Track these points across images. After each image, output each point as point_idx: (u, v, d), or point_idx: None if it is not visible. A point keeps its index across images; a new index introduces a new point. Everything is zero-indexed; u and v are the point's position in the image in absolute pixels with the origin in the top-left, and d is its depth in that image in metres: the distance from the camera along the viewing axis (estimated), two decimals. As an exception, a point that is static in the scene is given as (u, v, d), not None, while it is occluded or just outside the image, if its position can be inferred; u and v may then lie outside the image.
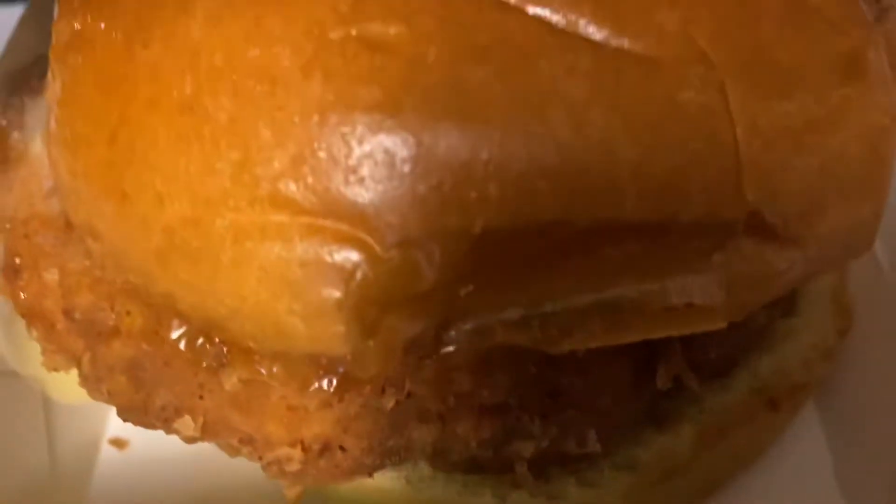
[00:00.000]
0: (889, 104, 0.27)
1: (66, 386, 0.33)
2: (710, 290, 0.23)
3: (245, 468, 0.34)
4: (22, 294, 0.27)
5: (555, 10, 0.22)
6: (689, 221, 0.22)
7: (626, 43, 0.22)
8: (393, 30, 0.22)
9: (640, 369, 0.26)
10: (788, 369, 0.32)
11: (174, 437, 0.35)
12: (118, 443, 0.35)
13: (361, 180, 0.21)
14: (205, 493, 0.34)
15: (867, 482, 0.33)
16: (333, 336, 0.22)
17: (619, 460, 0.29)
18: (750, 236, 0.23)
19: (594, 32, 0.22)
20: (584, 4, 0.23)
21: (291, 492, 0.27)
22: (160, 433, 0.35)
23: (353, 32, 0.21)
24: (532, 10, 0.22)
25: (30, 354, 0.32)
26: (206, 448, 0.33)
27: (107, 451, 0.35)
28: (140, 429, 0.36)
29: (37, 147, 0.29)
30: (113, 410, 0.36)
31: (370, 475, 0.25)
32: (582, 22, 0.22)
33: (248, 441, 0.24)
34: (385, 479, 0.28)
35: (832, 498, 0.34)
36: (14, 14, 0.52)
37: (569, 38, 0.22)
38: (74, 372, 0.29)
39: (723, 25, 0.24)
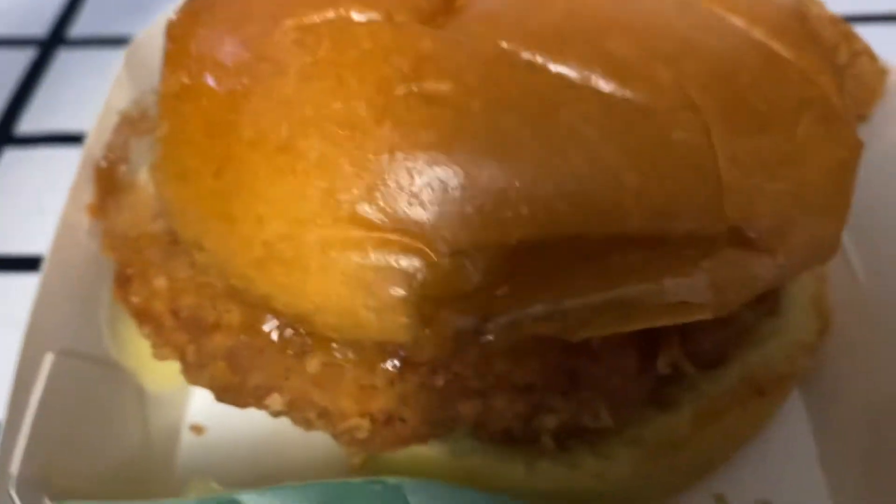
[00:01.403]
0: (850, 140, 0.32)
1: (157, 377, 0.39)
2: (700, 291, 0.29)
3: (306, 451, 0.40)
4: (134, 298, 0.33)
5: (572, 67, 0.28)
6: (681, 235, 0.28)
7: (629, 94, 0.28)
8: (444, 86, 0.27)
9: (644, 357, 0.32)
10: (774, 362, 0.37)
11: (244, 425, 0.41)
12: (197, 429, 0.41)
13: (421, 203, 0.26)
14: (271, 470, 0.40)
15: (844, 460, 0.39)
16: (399, 326, 0.27)
17: (628, 437, 0.34)
18: (732, 246, 0.29)
19: (604, 86, 0.28)
20: (596, 63, 0.28)
21: (356, 459, 0.32)
22: (232, 422, 0.41)
23: (414, 89, 0.27)
24: (554, 68, 0.28)
25: (128, 350, 0.38)
26: (273, 433, 0.39)
27: (187, 436, 0.41)
28: (215, 417, 0.42)
29: (142, 177, 0.35)
30: (192, 400, 0.42)
31: (424, 443, 0.31)
32: (594, 77, 0.28)
33: (324, 414, 0.30)
34: (433, 451, 0.33)
35: (814, 474, 0.39)
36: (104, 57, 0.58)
37: (583, 91, 0.28)
38: (163, 365, 0.35)
39: (708, 78, 0.29)
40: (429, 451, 0.33)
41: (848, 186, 0.32)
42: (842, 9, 0.44)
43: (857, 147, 0.32)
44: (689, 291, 0.29)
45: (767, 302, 0.35)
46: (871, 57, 0.42)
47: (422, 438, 0.30)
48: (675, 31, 0.30)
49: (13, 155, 0.57)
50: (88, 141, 0.37)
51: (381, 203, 0.27)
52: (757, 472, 0.39)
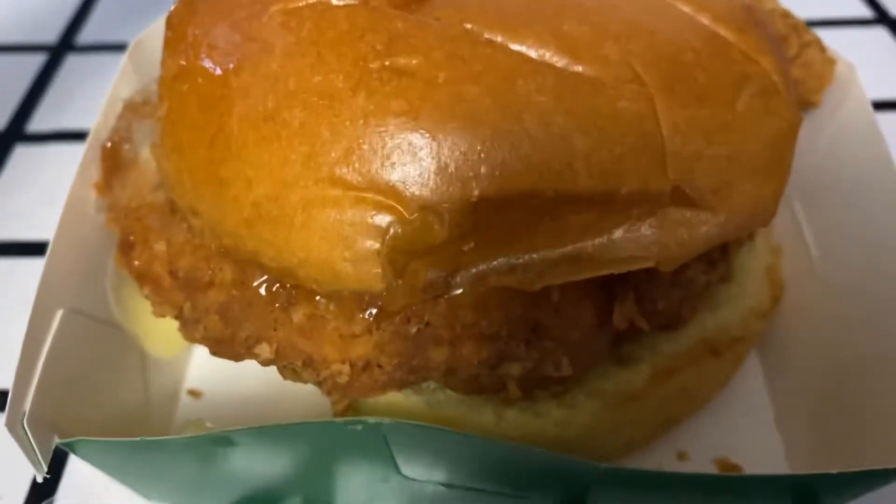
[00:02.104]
0: (788, 112, 0.35)
1: (158, 343, 0.42)
2: (646, 245, 0.32)
3: (298, 411, 0.43)
4: (136, 262, 0.36)
5: (529, 46, 0.31)
6: (628, 194, 0.31)
7: (580, 68, 0.31)
8: (414, 61, 0.30)
9: (601, 312, 0.34)
10: (729, 325, 0.40)
11: (237, 391, 0.44)
12: (194, 393, 0.44)
13: (393, 164, 0.29)
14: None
15: (797, 420, 0.41)
16: (373, 276, 0.30)
17: (590, 389, 0.37)
18: (675, 205, 0.32)
19: (557, 61, 0.31)
20: (551, 42, 0.31)
21: (339, 405, 0.35)
22: (228, 387, 0.44)
23: (387, 63, 0.30)
24: (513, 46, 0.31)
25: (132, 316, 0.41)
26: (267, 396, 0.42)
27: (185, 399, 0.43)
28: (212, 383, 0.45)
29: (144, 154, 0.39)
30: (190, 366, 0.45)
31: (400, 389, 0.34)
32: (548, 54, 0.31)
33: (309, 363, 0.33)
34: (410, 402, 0.36)
35: (770, 432, 0.42)
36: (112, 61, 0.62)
37: (539, 65, 0.31)
38: (165, 330, 0.38)
39: (653, 55, 0.32)
40: (406, 402, 0.36)
41: (785, 154, 0.35)
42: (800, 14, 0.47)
43: (795, 119, 0.35)
44: (637, 246, 0.32)
45: (719, 268, 0.38)
46: (820, 47, 0.45)
47: (397, 384, 0.33)
48: (626, 14, 0.34)
49: (25, 151, 0.60)
50: (95, 125, 0.40)
51: (357, 164, 0.30)
52: (717, 431, 0.42)
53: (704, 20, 0.36)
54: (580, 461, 0.30)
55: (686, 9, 0.36)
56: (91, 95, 0.62)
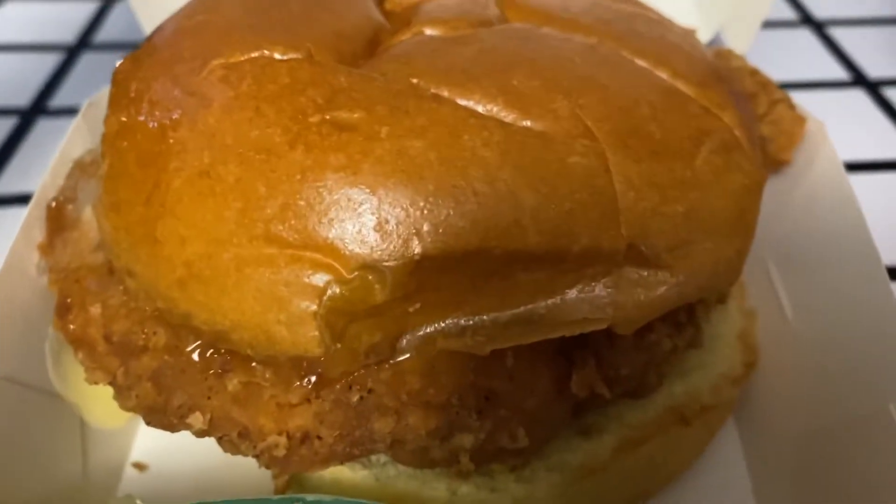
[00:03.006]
0: (752, 169, 0.34)
1: (99, 413, 0.40)
2: (601, 306, 0.30)
3: (246, 490, 0.40)
4: (71, 326, 0.34)
5: (476, 101, 0.30)
6: (580, 252, 0.29)
7: (529, 123, 0.30)
8: (356, 115, 0.29)
9: (559, 379, 0.32)
10: (699, 392, 0.38)
11: (184, 464, 0.42)
12: (139, 466, 0.41)
13: (331, 221, 0.28)
14: None
15: (776, 491, 0.39)
16: (310, 340, 0.28)
17: (552, 463, 0.35)
18: (631, 264, 0.30)
19: (505, 116, 0.30)
20: (499, 97, 0.30)
21: (280, 480, 0.33)
22: (176, 460, 0.41)
23: (328, 117, 0.29)
24: (460, 100, 0.30)
25: (72, 384, 0.38)
26: (211, 470, 0.40)
27: (129, 472, 0.41)
28: (157, 455, 0.42)
29: (86, 215, 0.37)
30: (137, 438, 0.43)
31: (342, 463, 0.31)
32: (496, 109, 0.30)
33: (245, 435, 0.31)
34: (358, 477, 0.34)
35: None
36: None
37: (486, 120, 0.30)
38: (107, 401, 0.36)
39: (606, 109, 0.31)
40: (353, 476, 0.34)
41: (749, 211, 0.33)
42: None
43: (758, 175, 0.34)
44: (591, 307, 0.30)
45: (686, 332, 0.36)
46: (789, 105, 0.44)
47: (339, 458, 0.31)
48: (579, 69, 0.33)
49: (-11, 214, 0.59)
50: (41, 185, 0.39)
51: (293, 221, 0.28)
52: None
53: (663, 75, 0.35)
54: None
55: (644, 64, 0.35)
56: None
